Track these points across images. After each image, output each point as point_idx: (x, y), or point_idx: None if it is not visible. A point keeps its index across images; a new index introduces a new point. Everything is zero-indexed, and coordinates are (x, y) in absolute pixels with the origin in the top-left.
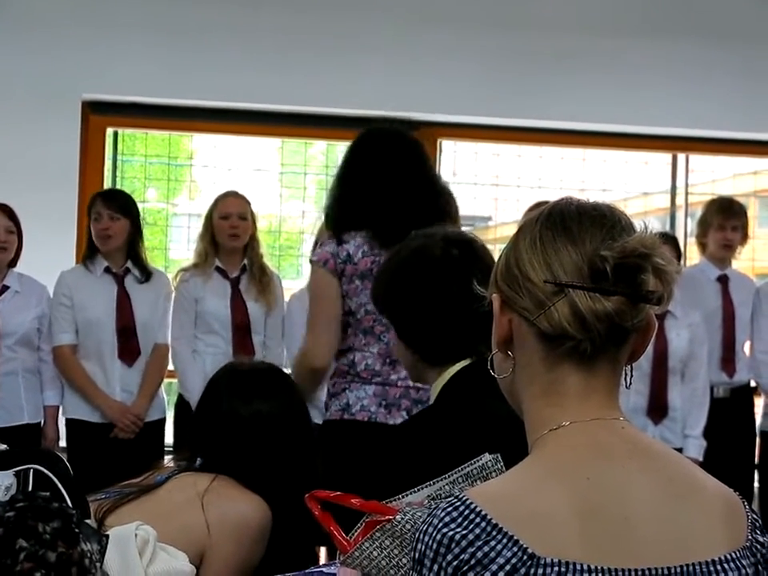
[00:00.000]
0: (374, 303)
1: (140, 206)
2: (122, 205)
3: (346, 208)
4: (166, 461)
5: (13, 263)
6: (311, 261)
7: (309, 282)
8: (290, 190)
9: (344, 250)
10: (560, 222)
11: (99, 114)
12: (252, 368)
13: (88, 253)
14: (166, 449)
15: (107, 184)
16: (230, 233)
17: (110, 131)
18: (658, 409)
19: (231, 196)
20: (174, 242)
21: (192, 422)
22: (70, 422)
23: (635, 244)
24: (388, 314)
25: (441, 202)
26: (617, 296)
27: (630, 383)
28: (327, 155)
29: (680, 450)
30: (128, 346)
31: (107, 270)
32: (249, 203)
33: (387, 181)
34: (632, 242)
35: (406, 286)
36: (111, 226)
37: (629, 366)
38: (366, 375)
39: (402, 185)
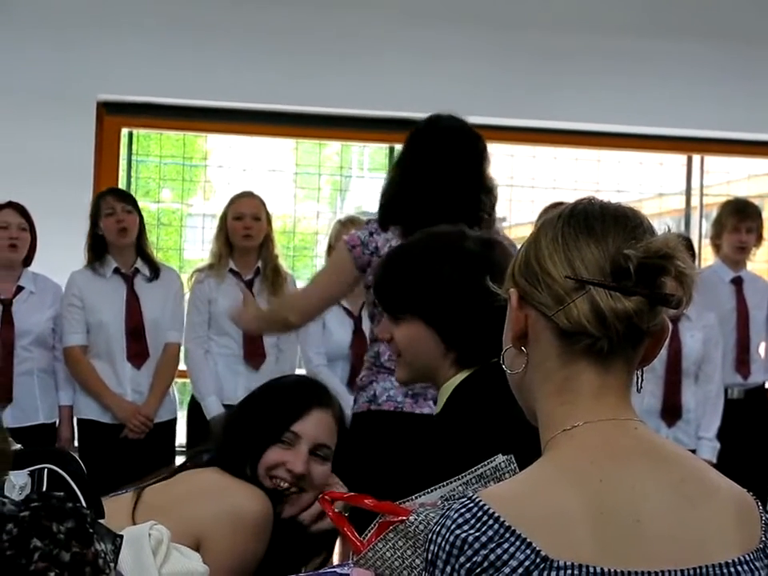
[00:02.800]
0: (391, 293)
1: (155, 206)
2: (133, 200)
3: (388, 201)
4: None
5: (27, 262)
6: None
7: (333, 253)
8: (304, 190)
9: (374, 241)
10: (583, 221)
11: (114, 115)
12: (278, 380)
13: (94, 255)
14: (177, 449)
15: (122, 184)
16: (243, 233)
17: (124, 131)
18: (671, 411)
19: (246, 197)
20: (188, 242)
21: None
22: (81, 423)
23: (660, 244)
24: (420, 306)
25: (478, 206)
26: (637, 296)
27: (641, 387)
28: (342, 156)
29: (693, 452)
30: (137, 348)
31: (116, 270)
32: (263, 204)
33: (427, 178)
34: (656, 243)
35: (455, 280)
36: (126, 219)
37: (640, 371)
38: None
39: (442, 184)
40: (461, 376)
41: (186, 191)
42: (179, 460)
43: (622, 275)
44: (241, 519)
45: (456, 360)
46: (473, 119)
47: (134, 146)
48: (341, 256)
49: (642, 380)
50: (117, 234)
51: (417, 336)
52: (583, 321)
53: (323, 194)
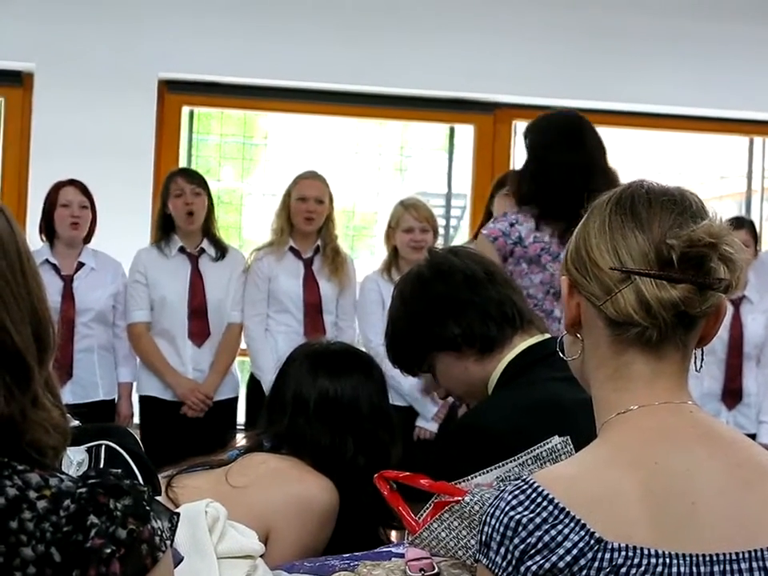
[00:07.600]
0: (401, 361)
1: (214, 185)
2: (202, 181)
3: (527, 184)
4: (238, 439)
5: (87, 239)
6: (481, 232)
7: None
8: (364, 170)
9: (516, 231)
10: (629, 207)
11: (175, 93)
12: (327, 348)
13: (161, 233)
14: (238, 427)
15: (182, 162)
16: (305, 216)
17: (185, 110)
18: (732, 394)
19: (310, 178)
20: (247, 221)
21: (266, 401)
22: (143, 399)
23: (701, 233)
24: (420, 348)
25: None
26: (683, 284)
27: (701, 366)
28: (402, 136)
29: (753, 436)
30: (198, 326)
31: (181, 249)
32: (327, 185)
33: (563, 165)
34: (698, 231)
35: (433, 303)
36: (195, 202)
37: (700, 350)
38: None
39: (574, 170)
40: (501, 365)
41: (246, 170)
42: (240, 438)
43: (666, 264)
44: (312, 510)
45: (480, 351)
46: (531, 100)
47: (195, 125)
48: (485, 250)
49: (702, 359)
50: (184, 218)
51: (446, 366)
52: (630, 311)
53: (383, 174)
